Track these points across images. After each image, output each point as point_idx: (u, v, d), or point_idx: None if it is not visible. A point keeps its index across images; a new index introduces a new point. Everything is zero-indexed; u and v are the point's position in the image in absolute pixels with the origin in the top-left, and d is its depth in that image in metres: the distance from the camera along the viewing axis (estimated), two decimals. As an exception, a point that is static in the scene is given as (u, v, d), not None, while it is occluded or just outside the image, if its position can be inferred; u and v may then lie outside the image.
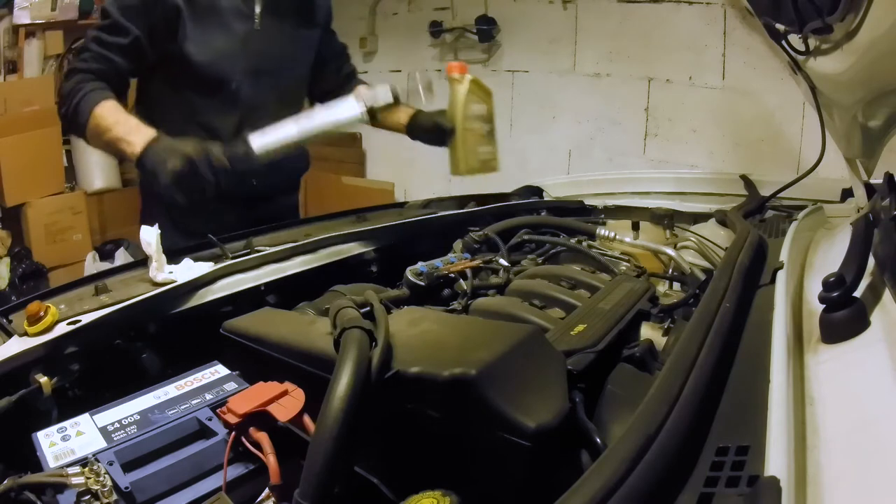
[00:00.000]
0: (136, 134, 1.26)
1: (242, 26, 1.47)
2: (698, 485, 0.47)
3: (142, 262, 1.10)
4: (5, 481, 0.58)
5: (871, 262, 0.75)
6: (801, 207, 1.38)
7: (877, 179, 1.09)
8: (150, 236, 1.05)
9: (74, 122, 1.35)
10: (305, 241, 1.19)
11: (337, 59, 1.75)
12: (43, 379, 0.78)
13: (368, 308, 0.75)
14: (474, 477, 0.61)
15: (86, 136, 1.36)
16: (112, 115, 1.32)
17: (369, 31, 3.75)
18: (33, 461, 0.64)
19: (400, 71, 3.66)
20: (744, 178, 1.62)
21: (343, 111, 1.25)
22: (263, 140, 1.21)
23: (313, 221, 1.49)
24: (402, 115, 1.63)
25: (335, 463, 0.55)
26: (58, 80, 3.66)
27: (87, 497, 0.57)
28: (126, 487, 0.59)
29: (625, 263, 1.21)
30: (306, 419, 0.64)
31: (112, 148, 1.32)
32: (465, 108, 1.47)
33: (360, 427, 0.58)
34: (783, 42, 1.07)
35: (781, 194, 1.47)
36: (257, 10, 1.47)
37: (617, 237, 1.35)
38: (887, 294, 0.68)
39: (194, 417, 0.69)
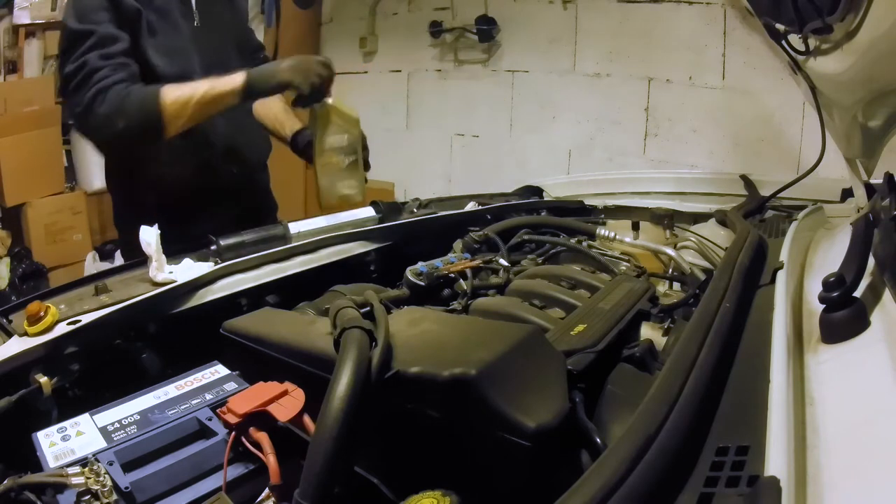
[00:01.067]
0: (225, 78, 1.33)
1: (187, 25, 1.50)
2: (698, 485, 0.47)
3: (142, 262, 1.11)
4: (5, 481, 0.58)
5: (871, 262, 0.75)
6: (801, 207, 1.38)
7: (877, 179, 1.09)
8: (149, 236, 1.05)
9: (143, 116, 1.28)
10: (305, 241, 1.19)
11: (252, 55, 1.77)
12: (43, 379, 0.78)
13: (368, 308, 0.75)
14: (474, 477, 0.61)
15: (161, 122, 1.30)
16: (182, 86, 1.32)
17: (369, 31, 3.76)
18: (33, 461, 0.64)
19: (400, 71, 3.66)
20: (744, 178, 1.62)
21: (364, 213, 1.44)
22: (298, 226, 1.30)
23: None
24: (288, 129, 1.66)
25: (335, 463, 0.55)
26: (58, 79, 3.67)
27: (87, 497, 0.57)
28: (126, 487, 0.59)
29: (625, 263, 1.21)
30: (306, 419, 0.64)
31: (205, 103, 1.32)
32: (322, 139, 1.41)
33: (360, 427, 0.58)
34: (783, 42, 1.07)
35: (781, 194, 1.47)
36: (194, 6, 1.51)
37: (617, 237, 1.35)
38: (887, 294, 0.68)
39: (194, 417, 0.69)
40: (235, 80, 1.33)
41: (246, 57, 1.70)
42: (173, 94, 1.31)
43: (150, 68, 1.40)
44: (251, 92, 1.35)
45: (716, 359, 0.63)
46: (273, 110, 1.74)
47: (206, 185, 1.52)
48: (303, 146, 1.57)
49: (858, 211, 1.16)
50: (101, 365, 0.87)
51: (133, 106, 1.28)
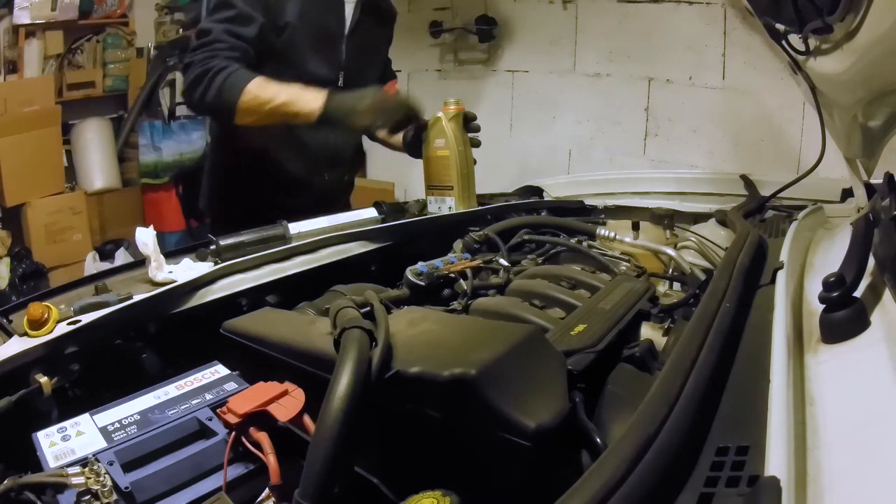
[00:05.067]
0: (306, 94, 1.41)
1: (338, 28, 1.64)
2: (698, 485, 0.47)
3: (142, 262, 1.11)
4: (5, 481, 0.58)
5: (872, 262, 0.75)
6: (801, 207, 1.37)
7: (877, 179, 1.09)
8: (146, 237, 1.05)
9: (220, 101, 1.39)
10: (305, 241, 1.19)
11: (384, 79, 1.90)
12: (43, 379, 0.78)
13: (368, 308, 0.75)
14: (474, 477, 0.61)
15: (234, 112, 1.41)
16: (270, 87, 1.41)
17: (369, 31, 3.75)
18: (33, 461, 0.64)
19: (400, 71, 3.65)
20: (744, 178, 1.62)
21: (366, 213, 1.48)
22: (300, 227, 1.32)
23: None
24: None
25: (335, 463, 0.55)
26: (58, 79, 3.67)
27: (87, 497, 0.57)
28: (126, 487, 0.59)
29: (625, 263, 1.21)
30: (306, 419, 0.64)
31: (278, 114, 1.41)
32: (428, 143, 1.60)
33: (361, 427, 0.58)
34: (783, 42, 1.07)
35: (781, 194, 1.47)
36: (348, 19, 1.64)
37: (617, 237, 1.34)
38: (887, 294, 0.68)
39: (194, 417, 0.69)
40: (314, 104, 1.40)
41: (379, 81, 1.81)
42: (254, 93, 1.40)
43: (289, 58, 1.52)
44: (324, 123, 1.42)
45: (716, 359, 0.63)
46: None
47: (298, 178, 1.68)
48: (410, 141, 1.66)
49: (858, 211, 1.16)
50: (101, 365, 0.87)
51: (214, 83, 1.39)
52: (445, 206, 1.58)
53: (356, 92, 1.45)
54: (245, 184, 1.69)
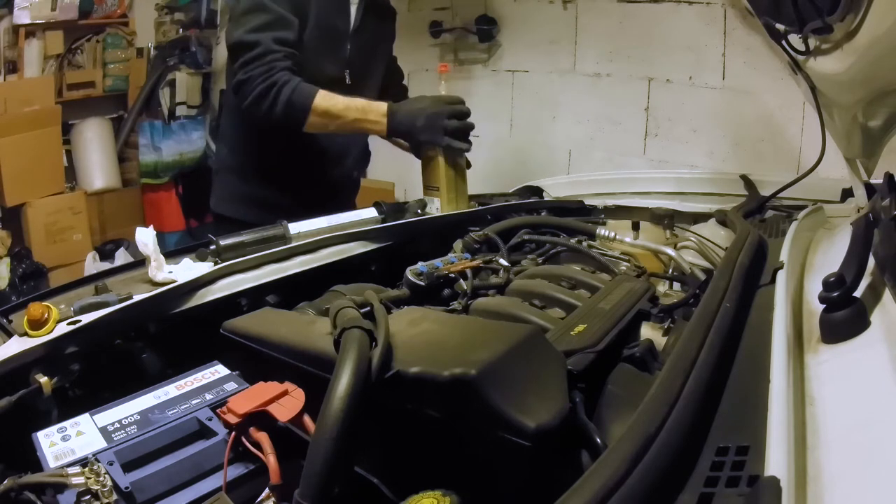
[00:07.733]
0: (371, 110, 1.51)
1: (344, 26, 1.67)
2: (698, 485, 0.47)
3: (141, 262, 1.11)
4: (5, 481, 0.58)
5: (872, 262, 0.75)
6: (801, 207, 1.37)
7: (877, 179, 1.09)
8: (146, 237, 1.05)
9: (288, 118, 1.46)
10: (305, 241, 1.19)
11: (391, 77, 1.97)
12: (43, 379, 0.78)
13: (368, 308, 0.75)
14: (474, 477, 0.61)
15: (304, 124, 1.48)
16: (336, 102, 1.48)
17: (369, 31, 3.75)
18: (33, 461, 0.64)
19: (400, 71, 3.65)
20: (744, 178, 1.62)
21: (366, 213, 1.49)
22: (300, 227, 1.33)
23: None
24: None
25: (335, 463, 0.55)
26: (58, 79, 3.67)
27: (87, 497, 0.57)
28: (126, 487, 0.59)
29: (625, 263, 1.21)
30: (306, 419, 0.64)
31: (348, 129, 1.53)
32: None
33: (361, 427, 0.58)
34: (783, 42, 1.07)
35: (781, 194, 1.47)
36: (353, 13, 1.67)
37: (617, 237, 1.34)
38: (887, 294, 0.68)
39: (194, 417, 0.69)
40: (381, 122, 1.49)
41: (386, 76, 1.88)
42: (324, 106, 1.47)
43: (303, 61, 1.54)
44: (389, 136, 1.55)
45: (716, 359, 0.63)
46: None
47: (314, 176, 1.75)
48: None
49: (858, 211, 1.16)
50: (101, 365, 0.87)
51: (284, 104, 1.45)
52: (433, 206, 1.58)
53: (414, 103, 1.53)
54: (261, 181, 1.74)
